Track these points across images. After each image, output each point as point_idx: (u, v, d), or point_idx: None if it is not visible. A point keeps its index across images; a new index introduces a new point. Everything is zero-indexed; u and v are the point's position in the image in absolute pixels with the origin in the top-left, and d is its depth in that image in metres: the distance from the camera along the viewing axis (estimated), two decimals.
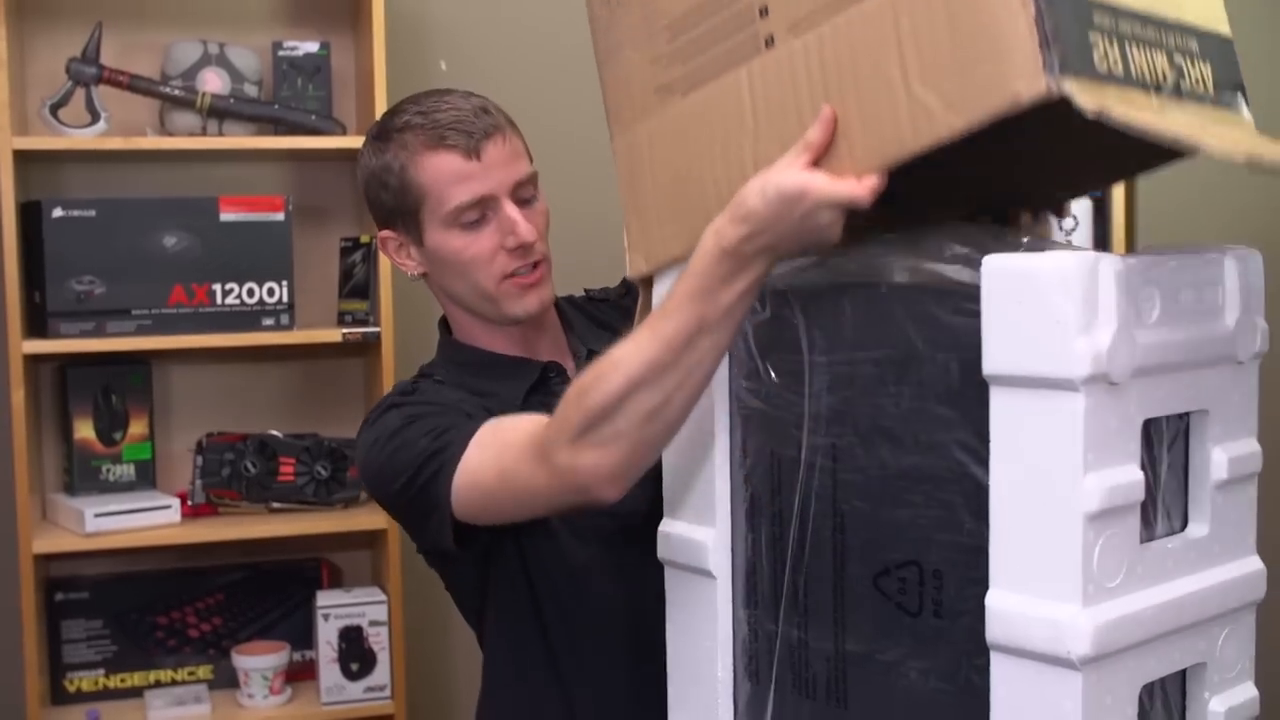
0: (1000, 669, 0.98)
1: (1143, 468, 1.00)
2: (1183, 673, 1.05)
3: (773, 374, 1.16)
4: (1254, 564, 1.09)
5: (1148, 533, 1.02)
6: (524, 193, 1.47)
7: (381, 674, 2.47)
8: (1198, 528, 1.05)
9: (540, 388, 1.49)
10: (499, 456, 1.29)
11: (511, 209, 1.44)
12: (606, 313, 1.65)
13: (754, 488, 1.20)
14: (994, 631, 0.98)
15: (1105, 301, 0.93)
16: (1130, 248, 2.51)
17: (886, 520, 1.08)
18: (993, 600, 0.98)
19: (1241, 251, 1.07)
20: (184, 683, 2.54)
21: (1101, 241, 2.47)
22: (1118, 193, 2.41)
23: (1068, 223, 2.43)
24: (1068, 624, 0.93)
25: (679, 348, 1.12)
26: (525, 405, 1.44)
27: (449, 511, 1.33)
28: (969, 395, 1.00)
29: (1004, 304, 0.95)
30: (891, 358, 1.06)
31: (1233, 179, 2.55)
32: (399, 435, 1.39)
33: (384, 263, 2.43)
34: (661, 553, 1.27)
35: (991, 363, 0.97)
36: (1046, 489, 0.94)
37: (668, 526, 1.27)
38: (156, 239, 2.37)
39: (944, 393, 1.03)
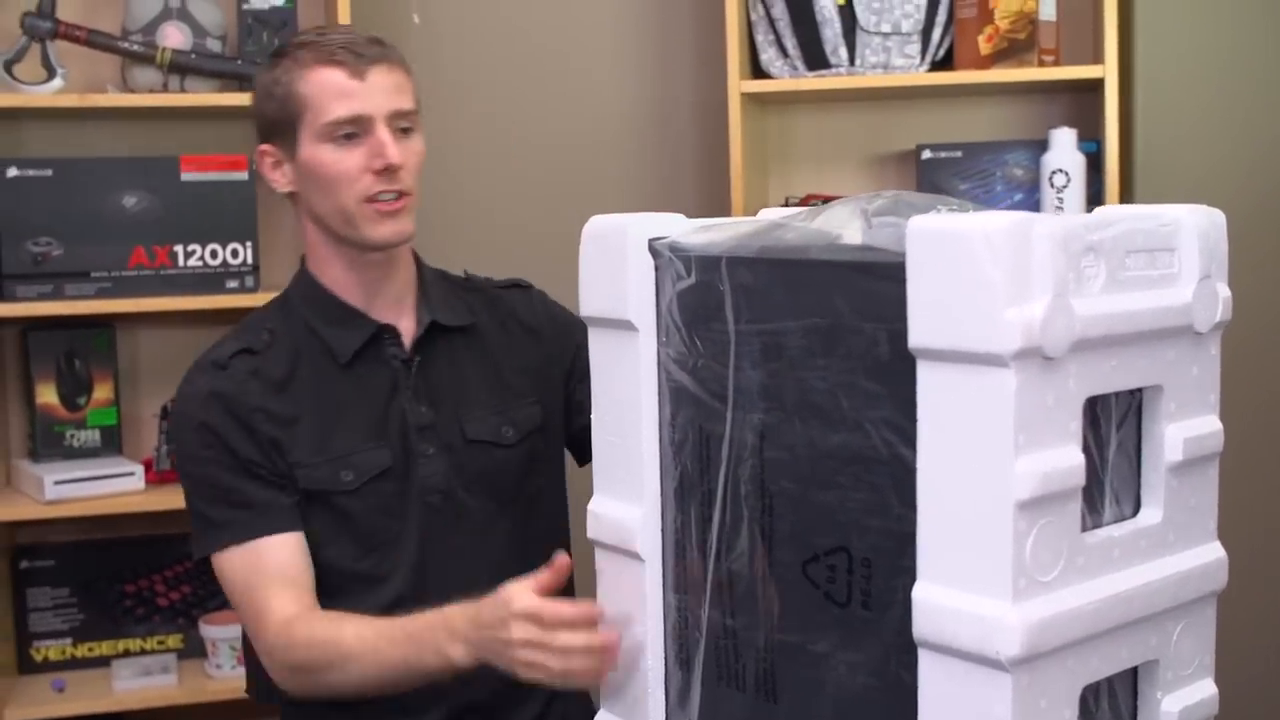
0: (928, 667, 0.91)
1: (1088, 449, 0.92)
2: (1134, 670, 0.98)
3: (698, 344, 1.08)
4: (1213, 552, 1.00)
5: (1094, 519, 0.94)
6: (402, 123, 1.52)
7: None
8: (1150, 513, 0.97)
9: (369, 350, 1.57)
10: (245, 602, 1.51)
11: (384, 132, 1.49)
12: (472, 299, 1.67)
13: (683, 465, 1.12)
14: (921, 627, 0.90)
15: (1039, 267, 0.84)
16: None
17: (815, 503, 1.00)
18: (919, 593, 0.90)
19: (1202, 211, 0.99)
20: (153, 652, 2.49)
21: (1096, 199, 2.37)
22: (1112, 145, 2.31)
23: (1058, 179, 2.33)
24: (995, 622, 0.85)
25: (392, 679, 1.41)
26: (352, 363, 1.56)
27: None
28: (898, 370, 0.92)
29: (930, 270, 0.87)
30: (819, 328, 0.98)
31: (1243, 130, 2.44)
32: (186, 476, 1.57)
33: None
34: (591, 532, 1.20)
35: (917, 335, 0.88)
36: (975, 474, 0.86)
37: (597, 505, 1.19)
38: (116, 199, 2.30)
39: (872, 366, 0.94)
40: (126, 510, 2.34)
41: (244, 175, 2.36)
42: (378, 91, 1.49)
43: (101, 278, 2.29)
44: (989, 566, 0.86)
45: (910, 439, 0.91)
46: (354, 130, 1.49)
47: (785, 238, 1.05)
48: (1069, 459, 0.87)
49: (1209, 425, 0.99)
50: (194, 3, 2.40)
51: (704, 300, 1.08)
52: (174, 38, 2.37)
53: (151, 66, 2.34)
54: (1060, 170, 2.34)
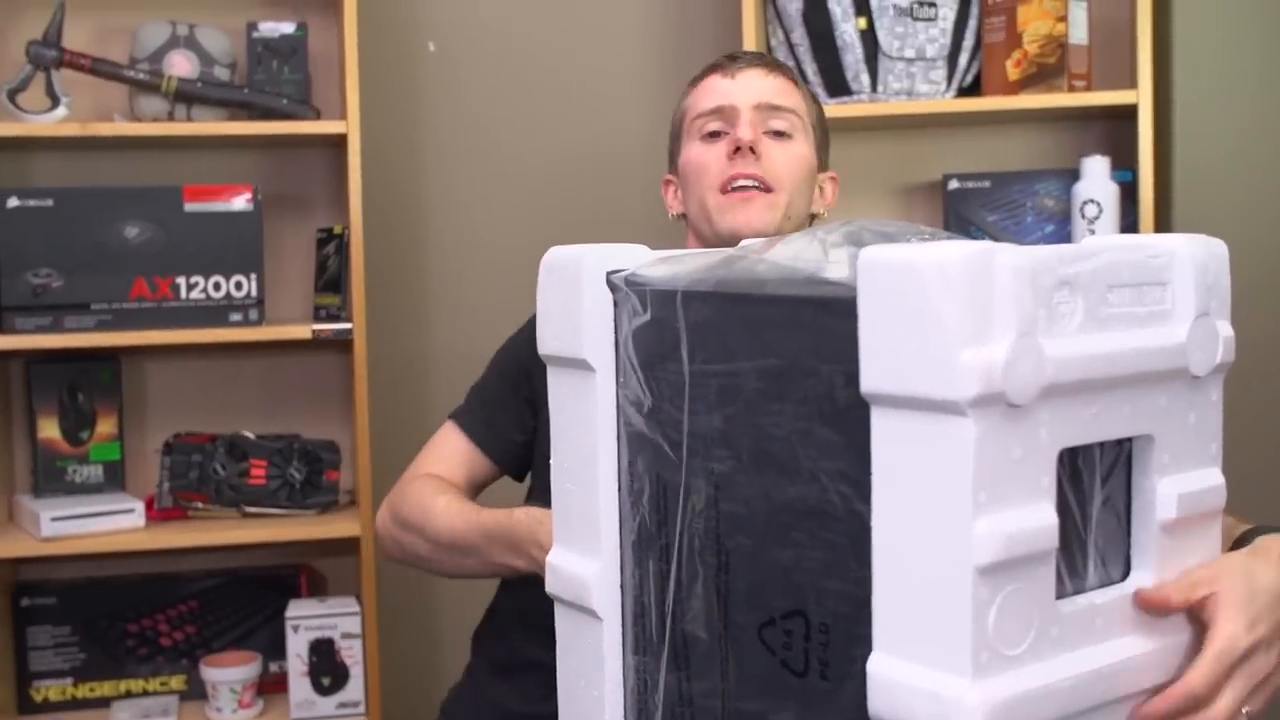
0: None
1: (1067, 506, 0.83)
2: None
3: (655, 386, 1.00)
4: None
5: (1076, 584, 0.85)
6: (774, 122, 1.51)
7: (355, 689, 2.34)
8: (1140, 577, 0.87)
9: None
10: (413, 467, 1.62)
11: (745, 116, 1.49)
12: None
13: (642, 516, 1.03)
14: (876, 702, 0.81)
15: (1002, 303, 0.75)
16: None
17: (771, 562, 0.91)
18: (875, 665, 0.81)
19: (1200, 241, 0.89)
20: (155, 693, 2.44)
21: (1131, 231, 2.25)
22: (1147, 175, 2.20)
23: (1090, 209, 2.22)
24: (954, 701, 0.76)
25: (459, 552, 1.47)
26: None
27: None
28: (855, 416, 0.83)
29: (881, 306, 0.78)
30: (774, 369, 0.90)
31: None
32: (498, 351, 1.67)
33: (357, 255, 2.30)
34: (550, 586, 1.12)
35: (870, 379, 0.80)
36: (931, 535, 0.77)
37: (556, 557, 1.11)
38: (117, 230, 2.26)
39: (829, 412, 0.86)
40: (125, 548, 2.28)
41: (249, 206, 2.31)
42: (746, 88, 1.51)
43: (102, 310, 2.25)
44: (947, 638, 0.76)
45: (867, 493, 0.82)
46: (720, 127, 1.52)
47: (754, 270, 0.96)
48: (1040, 518, 0.78)
49: (1209, 479, 0.89)
50: (202, 31, 2.36)
51: (660, 338, 0.99)
52: (181, 66, 2.33)
53: (157, 95, 2.30)
54: (1092, 201, 2.23)
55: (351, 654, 2.33)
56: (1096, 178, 2.24)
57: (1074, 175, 2.28)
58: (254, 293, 2.31)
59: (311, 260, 2.49)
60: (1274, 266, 2.33)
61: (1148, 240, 0.87)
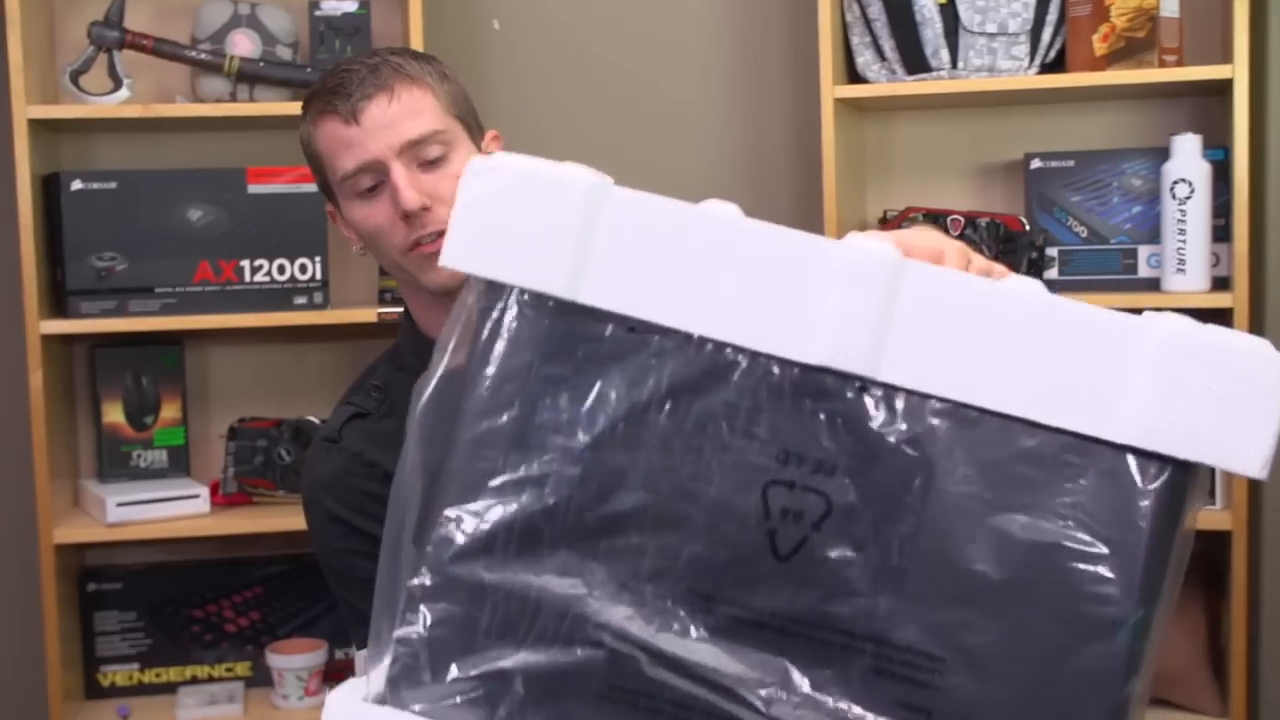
0: None
1: None
2: None
3: None
4: None
5: None
6: (425, 153, 1.33)
7: None
8: None
9: None
10: None
11: (398, 174, 1.31)
12: None
13: None
14: None
15: None
16: (1257, 219, 2.20)
17: None
18: None
19: None
20: (221, 679, 2.42)
21: (1223, 211, 2.17)
22: (1241, 152, 2.11)
23: (1180, 189, 2.14)
24: None
25: None
26: None
27: None
28: None
29: None
30: None
31: None
32: (329, 569, 1.44)
33: None
34: None
35: None
36: None
37: None
38: (180, 213, 2.23)
39: None
40: (189, 534, 2.27)
41: (313, 187, 2.25)
42: (377, 131, 1.31)
43: (166, 294, 2.23)
44: None
45: None
46: (373, 180, 1.33)
47: None
48: None
49: None
50: (264, 10, 2.33)
51: None
52: (243, 46, 2.30)
53: (220, 76, 2.27)
54: (1183, 180, 2.15)
55: None
56: (1187, 156, 2.15)
57: (1163, 154, 2.20)
58: (319, 275, 2.28)
59: None
60: None
61: None
